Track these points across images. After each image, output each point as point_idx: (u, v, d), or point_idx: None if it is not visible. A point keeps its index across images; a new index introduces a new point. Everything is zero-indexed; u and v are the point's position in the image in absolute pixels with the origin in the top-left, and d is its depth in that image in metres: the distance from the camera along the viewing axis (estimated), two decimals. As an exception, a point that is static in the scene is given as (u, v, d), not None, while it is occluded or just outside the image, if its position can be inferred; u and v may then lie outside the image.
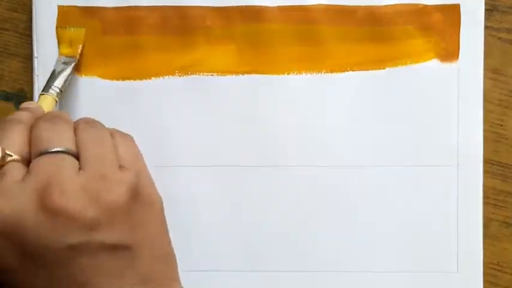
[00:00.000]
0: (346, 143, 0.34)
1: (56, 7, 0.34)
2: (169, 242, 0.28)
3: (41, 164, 0.24)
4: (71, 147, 0.26)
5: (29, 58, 0.35)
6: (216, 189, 0.34)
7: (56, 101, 0.32)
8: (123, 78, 0.35)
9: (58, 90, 0.32)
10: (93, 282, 0.24)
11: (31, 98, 0.35)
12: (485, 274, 0.34)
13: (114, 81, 0.35)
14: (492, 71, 0.34)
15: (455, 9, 0.34)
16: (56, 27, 0.34)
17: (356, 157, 0.34)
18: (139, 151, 0.29)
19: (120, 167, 0.26)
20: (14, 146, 0.25)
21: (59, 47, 0.34)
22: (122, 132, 0.29)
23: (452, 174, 0.34)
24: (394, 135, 0.34)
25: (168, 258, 0.27)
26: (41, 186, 0.23)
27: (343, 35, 0.34)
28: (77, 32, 0.34)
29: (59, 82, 0.32)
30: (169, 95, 0.34)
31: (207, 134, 0.34)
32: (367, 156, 0.34)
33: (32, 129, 0.26)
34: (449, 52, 0.34)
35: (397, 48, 0.34)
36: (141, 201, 0.26)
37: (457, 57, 0.34)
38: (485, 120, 0.34)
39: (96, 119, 0.29)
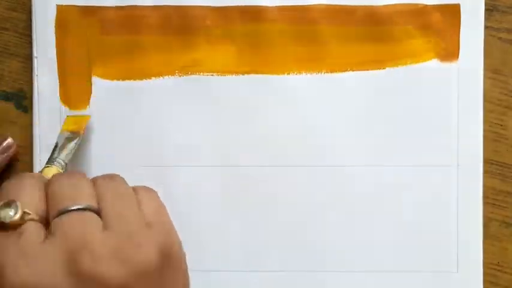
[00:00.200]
0: (346, 143, 0.34)
1: (55, 6, 0.34)
2: None
3: (65, 224, 0.23)
4: (93, 203, 0.24)
5: (28, 58, 0.35)
6: (216, 189, 0.34)
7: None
8: (123, 78, 0.35)
9: (63, 164, 0.31)
10: None
11: (31, 98, 0.35)
12: (485, 274, 0.34)
13: (114, 81, 0.35)
14: (492, 71, 0.34)
15: (455, 9, 0.34)
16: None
17: (356, 157, 0.34)
18: (163, 205, 0.27)
19: (147, 224, 0.24)
20: (31, 203, 0.23)
21: (63, 124, 0.33)
22: (143, 186, 0.27)
23: (452, 174, 0.34)
24: (394, 135, 0.34)
25: None
26: (69, 249, 0.22)
27: (343, 35, 0.34)
28: (83, 117, 0.34)
29: (63, 156, 0.31)
30: (170, 95, 0.34)
31: (207, 134, 0.34)
32: (367, 156, 0.34)
33: (48, 186, 0.25)
34: (449, 52, 0.34)
35: (397, 48, 0.34)
36: (170, 261, 0.24)
37: (457, 57, 0.34)
38: (485, 120, 0.34)
39: (116, 173, 0.27)
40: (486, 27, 0.34)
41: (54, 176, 0.26)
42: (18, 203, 0.23)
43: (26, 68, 0.35)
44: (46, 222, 0.24)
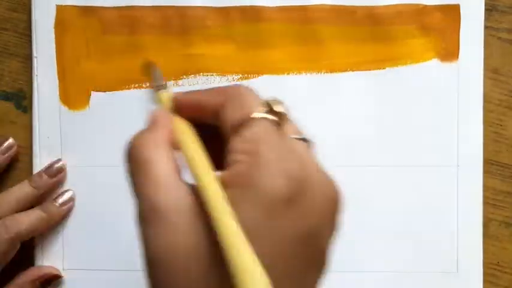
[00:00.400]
0: (345, 143, 0.34)
1: (55, 7, 0.34)
2: None
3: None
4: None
5: (28, 58, 0.35)
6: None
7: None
8: (123, 78, 0.35)
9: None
10: None
11: (31, 98, 0.35)
12: (485, 274, 0.34)
13: (114, 81, 0.35)
14: (492, 71, 0.34)
15: (455, 9, 0.34)
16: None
17: (356, 157, 0.34)
18: None
19: None
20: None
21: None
22: None
23: (452, 174, 0.34)
24: (394, 135, 0.34)
25: None
26: None
27: (343, 35, 0.34)
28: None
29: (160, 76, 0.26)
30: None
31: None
32: (367, 156, 0.34)
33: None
34: (449, 52, 0.34)
35: (397, 48, 0.34)
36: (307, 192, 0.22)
37: (457, 57, 0.34)
38: (485, 120, 0.34)
39: None
40: (486, 27, 0.34)
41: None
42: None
43: (26, 68, 0.35)
44: None
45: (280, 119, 0.22)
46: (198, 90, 0.23)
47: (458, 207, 0.34)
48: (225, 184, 0.19)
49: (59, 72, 0.35)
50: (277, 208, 0.19)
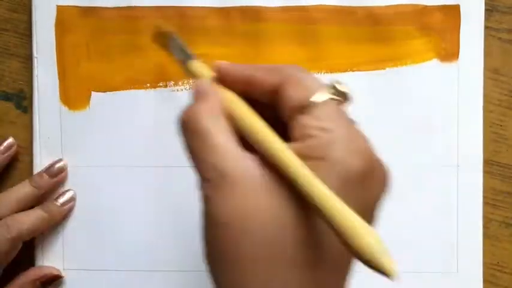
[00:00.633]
0: (346, 143, 0.34)
1: (55, 7, 0.34)
2: None
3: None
4: None
5: (28, 58, 0.35)
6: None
7: None
8: (123, 78, 0.35)
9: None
10: None
11: (31, 98, 0.35)
12: (485, 274, 0.34)
13: (115, 81, 0.35)
14: (492, 71, 0.34)
15: (455, 9, 0.34)
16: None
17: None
18: None
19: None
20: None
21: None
22: None
23: (452, 174, 0.34)
24: (394, 135, 0.34)
25: None
26: None
27: (343, 35, 0.34)
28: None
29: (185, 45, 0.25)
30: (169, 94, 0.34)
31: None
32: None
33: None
34: (449, 52, 0.34)
35: (397, 49, 0.34)
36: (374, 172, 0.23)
37: (457, 57, 0.34)
38: (485, 120, 0.34)
39: None
40: (486, 28, 0.34)
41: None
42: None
43: (26, 68, 0.35)
44: None
45: (344, 99, 0.22)
46: (248, 65, 0.23)
47: (458, 207, 0.34)
48: (299, 155, 0.20)
49: (59, 73, 0.35)
50: (351, 183, 0.20)
